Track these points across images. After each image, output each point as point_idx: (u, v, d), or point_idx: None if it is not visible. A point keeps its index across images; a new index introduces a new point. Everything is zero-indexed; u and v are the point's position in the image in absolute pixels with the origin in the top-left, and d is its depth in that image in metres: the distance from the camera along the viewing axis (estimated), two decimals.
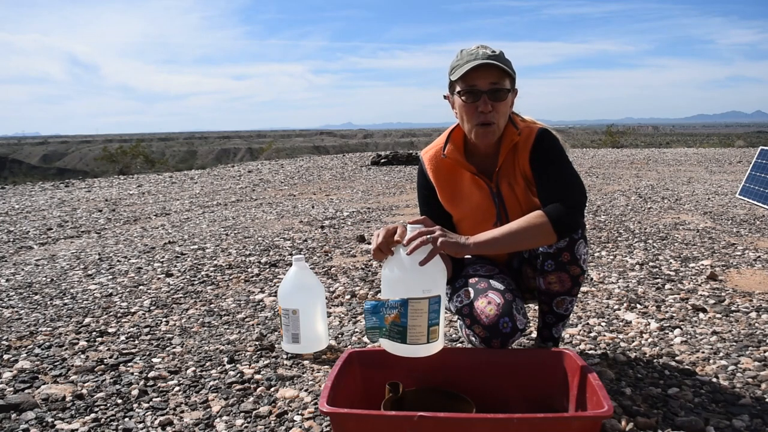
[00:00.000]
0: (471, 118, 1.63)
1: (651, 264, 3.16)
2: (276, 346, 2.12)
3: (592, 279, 2.91)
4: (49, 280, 3.18)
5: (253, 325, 2.38)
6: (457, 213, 1.81)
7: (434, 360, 1.48)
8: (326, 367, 1.94)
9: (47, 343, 2.20)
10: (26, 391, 1.79)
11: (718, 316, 2.33)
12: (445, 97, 1.72)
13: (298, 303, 1.97)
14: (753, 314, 2.34)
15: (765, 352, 1.96)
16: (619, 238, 3.85)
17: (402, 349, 1.42)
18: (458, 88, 1.63)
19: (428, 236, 1.40)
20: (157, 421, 1.59)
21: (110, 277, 3.21)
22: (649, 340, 2.10)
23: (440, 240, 1.40)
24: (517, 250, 1.63)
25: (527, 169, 1.68)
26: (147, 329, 2.35)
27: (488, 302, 1.57)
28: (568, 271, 1.63)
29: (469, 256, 1.85)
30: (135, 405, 1.69)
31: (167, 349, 2.13)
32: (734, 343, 2.04)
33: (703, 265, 3.12)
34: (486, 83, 1.58)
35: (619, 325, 2.26)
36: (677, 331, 2.17)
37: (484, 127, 1.63)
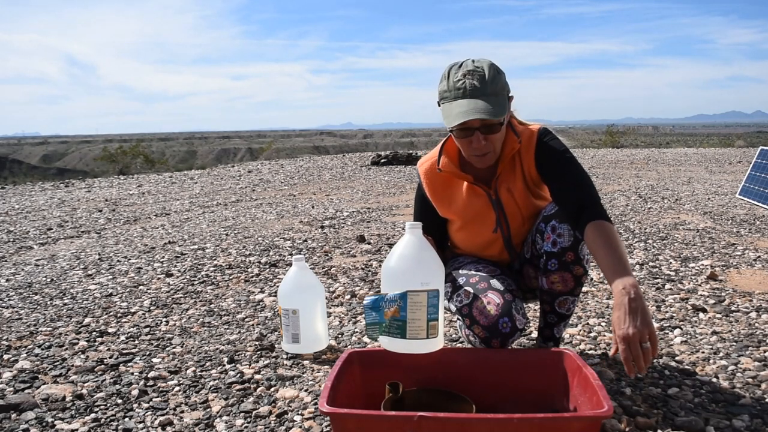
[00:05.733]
0: (466, 149, 1.63)
1: (651, 264, 3.16)
2: (276, 346, 2.12)
3: (592, 279, 2.91)
4: (49, 280, 3.18)
5: (253, 325, 2.38)
6: (456, 222, 1.82)
7: (434, 360, 1.48)
8: (326, 367, 1.94)
9: (47, 343, 2.20)
10: (26, 391, 1.79)
11: (718, 316, 2.33)
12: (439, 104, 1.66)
13: (298, 303, 1.97)
14: (753, 314, 2.34)
15: (765, 352, 1.96)
16: None
17: (401, 345, 1.43)
18: (450, 127, 1.57)
19: (637, 348, 1.28)
20: (157, 421, 1.59)
21: (110, 277, 3.21)
22: None
23: (643, 332, 1.28)
24: None
25: (532, 170, 1.68)
26: (147, 329, 2.35)
27: (488, 302, 1.58)
28: (572, 271, 1.63)
29: (471, 258, 1.85)
30: (135, 405, 1.69)
31: (167, 349, 2.13)
32: (734, 343, 2.04)
33: (703, 265, 3.12)
34: (477, 121, 1.54)
35: None
36: (677, 331, 2.17)
37: (479, 157, 1.62)
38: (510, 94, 1.63)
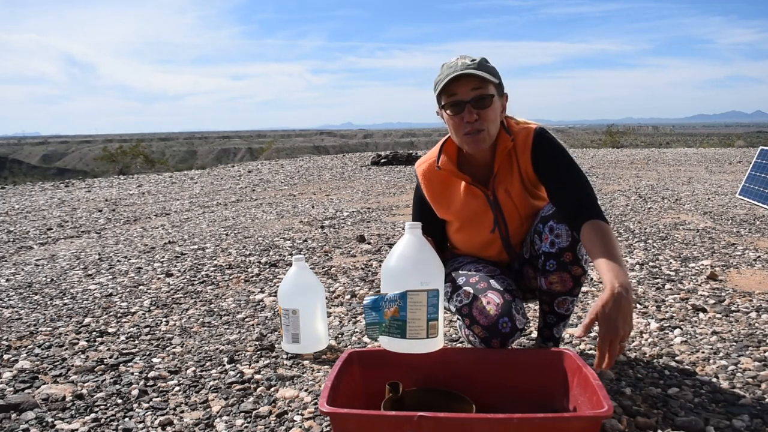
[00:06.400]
0: (459, 129, 1.63)
1: (651, 264, 3.16)
2: (276, 346, 2.12)
3: (592, 279, 2.91)
4: (49, 280, 3.18)
5: (253, 325, 2.38)
6: (454, 223, 1.82)
7: (434, 360, 1.48)
8: (326, 367, 1.94)
9: (47, 343, 2.20)
10: (26, 391, 1.79)
11: (718, 316, 2.33)
12: (437, 113, 1.71)
13: (298, 303, 1.97)
14: (753, 314, 2.34)
15: (765, 352, 1.96)
16: (619, 238, 3.84)
17: (401, 345, 1.43)
18: (443, 102, 1.63)
19: (616, 345, 1.31)
20: (157, 421, 1.59)
21: (110, 277, 3.21)
22: (649, 340, 2.10)
23: (626, 332, 1.32)
24: None
25: (529, 170, 1.68)
26: (147, 329, 2.35)
27: (488, 302, 1.58)
28: (570, 271, 1.63)
29: (470, 258, 1.85)
30: (135, 405, 1.69)
31: (167, 349, 2.13)
32: (734, 343, 2.04)
33: (703, 265, 3.12)
34: (468, 92, 1.57)
35: None
36: (677, 331, 2.17)
37: (472, 135, 1.62)
38: (504, 90, 1.66)
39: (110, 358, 2.05)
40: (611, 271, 1.37)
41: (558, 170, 1.63)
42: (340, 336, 2.23)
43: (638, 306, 2.47)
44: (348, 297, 2.72)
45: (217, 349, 2.12)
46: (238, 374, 1.88)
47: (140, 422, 1.59)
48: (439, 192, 1.80)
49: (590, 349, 2.04)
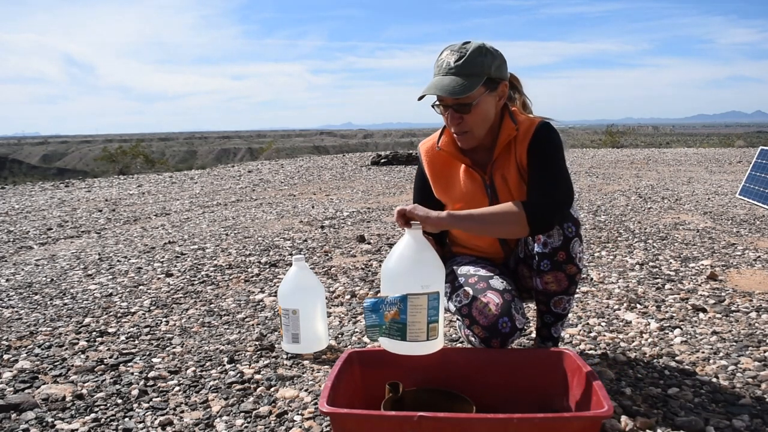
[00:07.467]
0: (448, 125, 1.68)
1: (651, 264, 3.16)
2: (276, 346, 2.12)
3: (592, 279, 2.91)
4: (49, 280, 3.18)
5: (253, 325, 2.38)
6: (450, 205, 1.82)
7: (434, 360, 1.48)
8: (326, 367, 1.94)
9: (47, 343, 2.20)
10: (26, 391, 1.79)
11: (718, 316, 2.33)
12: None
13: (298, 303, 1.97)
14: (753, 314, 2.34)
15: (765, 352, 1.96)
16: (619, 238, 3.85)
17: (402, 347, 1.43)
18: (433, 101, 1.66)
19: (404, 210, 1.52)
20: (157, 421, 1.59)
21: (110, 277, 3.21)
22: (649, 340, 2.10)
23: (408, 209, 1.52)
24: (488, 235, 1.74)
25: (524, 160, 1.68)
26: (147, 329, 2.35)
27: (487, 302, 1.58)
28: (565, 270, 1.63)
29: (469, 257, 1.85)
30: (135, 405, 1.69)
31: (167, 349, 2.13)
32: (734, 343, 2.04)
33: (703, 265, 3.12)
34: (449, 98, 1.60)
35: (619, 325, 2.26)
36: (677, 331, 2.17)
37: (459, 135, 1.67)
38: (499, 78, 1.62)
39: (110, 358, 2.05)
40: (460, 212, 1.57)
41: (540, 163, 1.61)
42: (340, 336, 2.23)
43: (638, 306, 2.47)
44: (348, 297, 2.72)
45: (217, 349, 2.12)
46: (238, 374, 1.88)
47: (140, 422, 1.59)
48: (440, 171, 1.80)
49: (590, 349, 2.04)
